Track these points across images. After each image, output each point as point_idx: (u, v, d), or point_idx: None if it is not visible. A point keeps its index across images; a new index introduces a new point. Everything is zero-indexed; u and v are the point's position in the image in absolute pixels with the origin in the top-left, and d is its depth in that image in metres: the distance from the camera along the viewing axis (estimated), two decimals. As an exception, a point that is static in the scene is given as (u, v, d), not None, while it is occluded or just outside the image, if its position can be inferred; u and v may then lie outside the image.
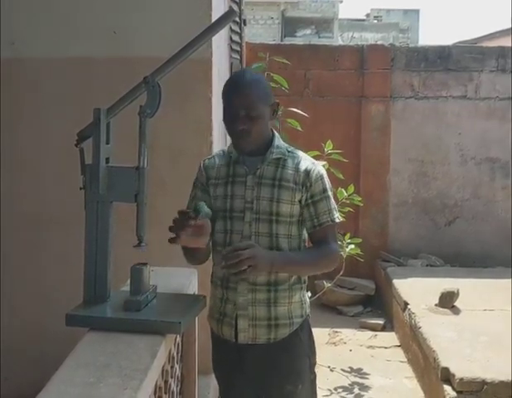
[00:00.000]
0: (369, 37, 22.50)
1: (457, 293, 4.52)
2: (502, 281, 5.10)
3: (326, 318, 5.31)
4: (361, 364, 4.49)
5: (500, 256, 5.94)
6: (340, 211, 2.39)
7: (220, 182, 2.16)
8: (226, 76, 3.97)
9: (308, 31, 23.66)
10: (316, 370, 2.29)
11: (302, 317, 2.19)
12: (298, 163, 2.15)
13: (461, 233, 6.19)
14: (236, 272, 1.93)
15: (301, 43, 8.89)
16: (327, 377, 4.24)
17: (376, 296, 5.82)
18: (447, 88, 6.17)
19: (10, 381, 3.40)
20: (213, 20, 2.92)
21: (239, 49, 5.09)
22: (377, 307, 5.73)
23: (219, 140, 3.65)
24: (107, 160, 1.93)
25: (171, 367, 1.94)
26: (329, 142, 4.37)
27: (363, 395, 4.05)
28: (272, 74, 4.14)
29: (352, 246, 4.46)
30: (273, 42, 10.64)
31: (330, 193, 2.16)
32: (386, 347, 4.84)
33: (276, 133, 2.21)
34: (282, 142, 2.21)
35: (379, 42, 16.23)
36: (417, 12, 28.76)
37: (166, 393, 1.84)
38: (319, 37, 22.88)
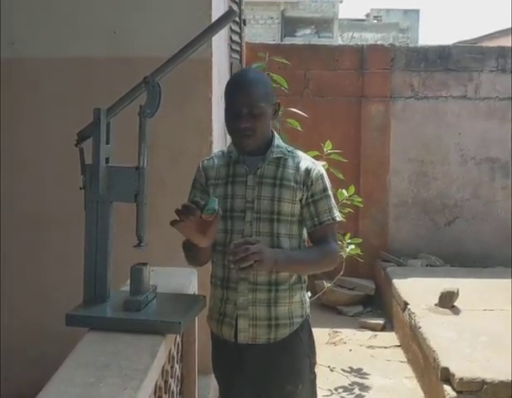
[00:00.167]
0: (369, 37, 22.51)
1: (457, 293, 4.52)
2: (502, 281, 5.10)
3: (326, 318, 5.31)
4: (361, 364, 4.49)
5: (500, 256, 5.94)
6: (340, 211, 2.39)
7: (220, 182, 2.16)
8: (226, 76, 3.98)
9: (308, 31, 23.66)
10: (316, 370, 2.29)
11: (303, 318, 2.19)
12: (299, 163, 2.15)
13: (461, 233, 6.19)
14: (243, 267, 1.92)
15: (301, 43, 8.88)
16: (327, 377, 4.24)
17: (376, 296, 5.82)
18: (447, 88, 6.16)
19: (10, 381, 3.40)
20: (213, 20, 2.92)
21: (238, 49, 5.09)
22: (377, 307, 5.73)
23: (219, 140, 3.65)
24: (107, 160, 1.93)
25: (171, 367, 1.94)
26: (328, 142, 4.38)
27: (363, 395, 4.05)
28: (271, 74, 4.14)
29: (352, 246, 4.45)
30: (273, 42, 10.63)
31: (330, 192, 2.17)
32: (386, 347, 4.84)
33: (275, 133, 2.21)
34: (281, 142, 2.21)
35: (378, 42, 16.23)
36: (417, 12, 28.76)
37: (166, 393, 1.84)
38: (319, 37, 22.87)
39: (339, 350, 4.80)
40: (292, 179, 2.12)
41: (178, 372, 2.10)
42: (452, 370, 3.39)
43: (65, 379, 1.46)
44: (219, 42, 3.79)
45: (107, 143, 1.93)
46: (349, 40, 21.31)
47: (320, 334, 4.20)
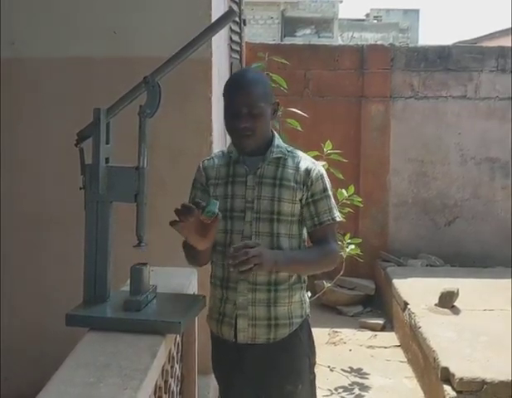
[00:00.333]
0: (369, 37, 22.51)
1: (457, 293, 4.52)
2: (502, 281, 5.10)
3: (325, 318, 5.31)
4: (361, 364, 4.49)
5: (500, 256, 5.93)
6: (340, 211, 2.39)
7: (220, 182, 2.16)
8: (226, 76, 3.97)
9: (308, 31, 23.66)
10: (315, 370, 2.29)
11: (302, 318, 2.19)
12: (299, 163, 2.15)
13: (461, 233, 6.19)
14: (243, 270, 1.92)
15: (301, 43, 8.89)
16: (327, 377, 4.24)
17: (376, 296, 5.82)
18: (447, 88, 6.16)
19: (10, 380, 3.40)
20: (213, 20, 2.92)
21: (238, 49, 5.08)
22: (377, 307, 5.73)
23: (219, 140, 3.65)
24: (107, 160, 1.93)
25: (171, 367, 1.94)
26: (328, 142, 4.38)
27: (363, 395, 4.05)
28: (271, 74, 4.14)
29: (352, 246, 4.46)
30: (273, 42, 10.63)
31: (330, 192, 2.17)
32: (386, 347, 4.84)
33: (275, 133, 2.21)
34: (281, 142, 2.21)
35: (378, 42, 16.23)
36: (416, 11, 28.77)
37: (166, 393, 1.84)
38: (319, 37, 22.88)
39: (339, 350, 4.80)
40: (291, 179, 2.12)
41: (178, 372, 2.10)
42: (452, 370, 3.39)
43: (65, 379, 1.46)
44: (219, 42, 3.80)
45: (107, 142, 1.93)
46: (349, 40, 21.31)
47: (320, 334, 4.20)
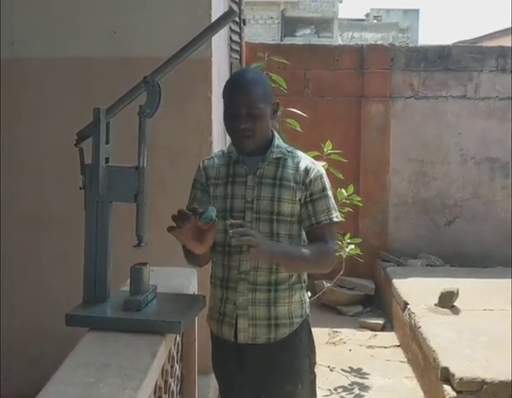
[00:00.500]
0: (369, 37, 22.52)
1: (457, 293, 4.52)
2: (502, 281, 5.10)
3: (325, 318, 5.31)
4: (361, 364, 4.49)
5: (500, 256, 5.93)
6: (339, 211, 2.38)
7: (220, 182, 2.16)
8: (226, 76, 3.98)
9: (308, 31, 23.67)
10: (315, 370, 2.29)
11: (302, 317, 2.19)
12: (298, 163, 2.15)
13: (461, 233, 6.19)
14: (238, 244, 1.93)
15: (301, 43, 8.89)
16: (327, 377, 4.24)
17: (376, 296, 5.82)
18: (447, 88, 6.16)
19: (10, 380, 3.40)
20: (213, 20, 2.92)
21: (238, 49, 5.08)
22: (377, 307, 5.73)
23: (219, 140, 3.65)
24: (106, 160, 1.93)
25: (171, 367, 1.94)
26: (328, 142, 4.38)
27: (363, 395, 4.05)
28: (270, 74, 4.14)
29: (352, 246, 4.46)
30: (273, 42, 10.64)
31: (329, 192, 2.16)
32: (386, 347, 4.84)
33: (275, 133, 2.21)
34: (281, 142, 2.21)
35: (378, 42, 16.23)
36: (416, 11, 28.78)
37: (165, 393, 1.84)
38: (319, 37, 22.88)
39: (339, 350, 4.80)
40: (291, 179, 2.12)
41: (178, 372, 2.10)
42: (452, 370, 3.39)
43: (64, 379, 1.46)
44: (219, 42, 3.80)
45: (106, 142, 1.93)
46: (349, 40, 21.32)
47: (320, 334, 4.20)
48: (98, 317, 1.82)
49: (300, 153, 2.21)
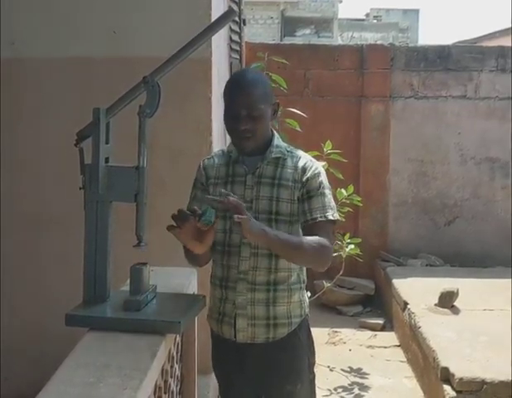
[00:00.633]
0: (369, 37, 22.52)
1: (457, 293, 4.52)
2: (502, 281, 5.10)
3: (325, 318, 5.31)
4: (361, 364, 4.49)
5: (500, 256, 5.93)
6: (339, 211, 2.37)
7: (220, 182, 2.16)
8: (226, 76, 3.98)
9: (308, 31, 23.66)
10: (315, 369, 2.29)
11: (301, 317, 2.19)
12: (297, 162, 2.15)
13: (461, 233, 6.19)
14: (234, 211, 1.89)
15: (301, 43, 8.87)
16: (327, 377, 4.24)
17: (376, 296, 5.82)
18: (447, 88, 6.16)
19: (10, 380, 3.40)
20: (213, 20, 2.92)
21: (238, 49, 5.08)
22: (376, 307, 5.73)
23: (219, 140, 3.65)
24: (106, 160, 1.93)
25: (171, 367, 1.94)
26: (328, 142, 4.38)
27: (362, 395, 4.05)
28: (270, 74, 4.14)
29: (352, 246, 4.46)
30: (273, 42, 10.63)
31: (326, 191, 2.13)
32: (386, 347, 4.84)
33: (275, 133, 2.21)
34: (281, 141, 2.21)
35: (378, 42, 16.22)
36: (416, 11, 28.78)
37: (165, 393, 1.84)
38: (318, 37, 22.87)
39: (338, 350, 4.80)
40: (290, 178, 2.11)
41: (178, 372, 2.10)
42: (452, 370, 3.39)
43: (64, 379, 1.47)
44: (219, 42, 3.80)
45: (106, 142, 1.93)
46: (348, 40, 21.33)
47: (319, 334, 4.21)
48: (98, 317, 1.82)
49: (300, 153, 2.21)
